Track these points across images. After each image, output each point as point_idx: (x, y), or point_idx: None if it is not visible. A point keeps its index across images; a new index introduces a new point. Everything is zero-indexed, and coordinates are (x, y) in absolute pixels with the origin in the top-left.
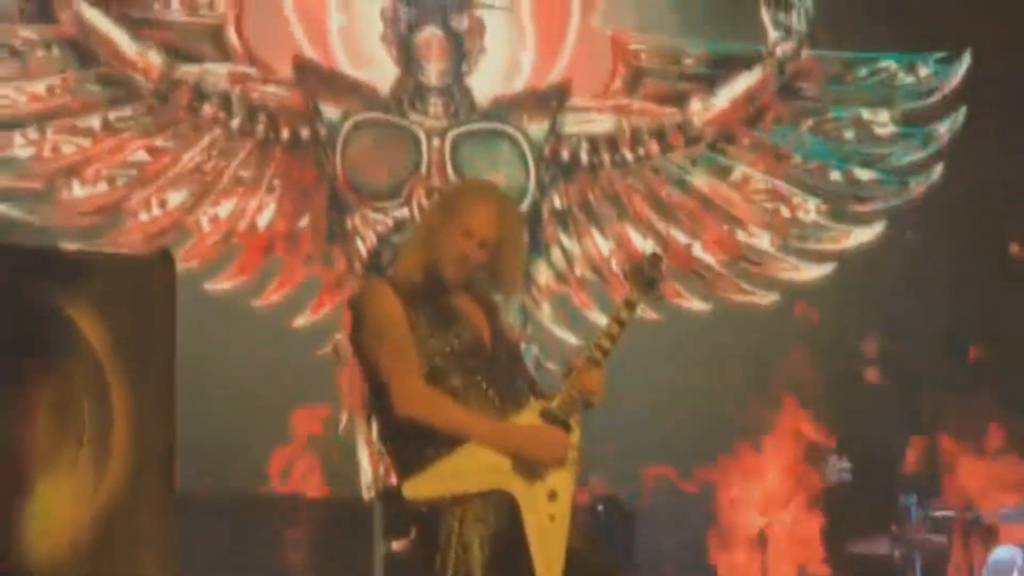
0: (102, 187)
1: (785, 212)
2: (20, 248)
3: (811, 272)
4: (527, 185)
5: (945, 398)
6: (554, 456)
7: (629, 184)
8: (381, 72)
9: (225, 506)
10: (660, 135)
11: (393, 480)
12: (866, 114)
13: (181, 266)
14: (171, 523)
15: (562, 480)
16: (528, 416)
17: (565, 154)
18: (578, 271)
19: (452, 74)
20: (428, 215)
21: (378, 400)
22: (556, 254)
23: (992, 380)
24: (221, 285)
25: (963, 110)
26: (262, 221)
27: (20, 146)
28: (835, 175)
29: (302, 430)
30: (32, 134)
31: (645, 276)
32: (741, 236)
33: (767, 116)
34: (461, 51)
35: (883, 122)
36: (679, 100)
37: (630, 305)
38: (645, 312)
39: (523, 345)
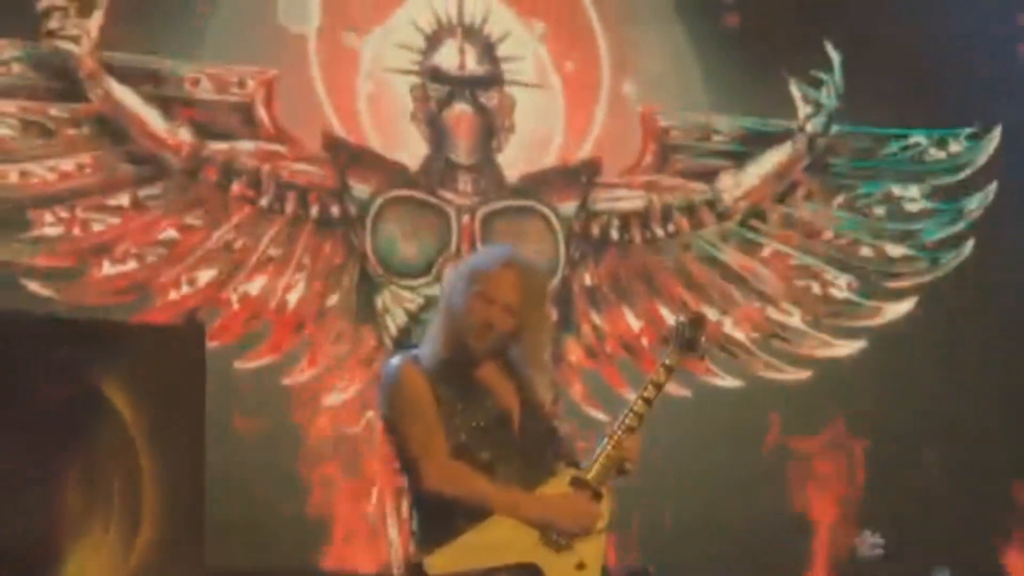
0: (132, 264)
1: (816, 289)
2: (53, 318)
3: (843, 349)
4: (557, 262)
5: None
6: (582, 525)
7: (659, 261)
8: (411, 150)
9: None
10: (690, 211)
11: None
12: (897, 190)
13: (210, 344)
14: None
15: (591, 550)
16: (558, 485)
17: (595, 230)
18: (608, 348)
19: (482, 151)
20: (446, 287)
21: (407, 477)
22: (586, 331)
23: None
24: (250, 364)
25: (994, 185)
26: (292, 298)
27: (50, 224)
28: (866, 251)
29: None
30: (62, 212)
31: (685, 337)
32: (772, 313)
33: (797, 192)
34: (491, 128)
35: (913, 197)
36: (709, 177)
37: (668, 369)
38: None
39: (555, 422)
